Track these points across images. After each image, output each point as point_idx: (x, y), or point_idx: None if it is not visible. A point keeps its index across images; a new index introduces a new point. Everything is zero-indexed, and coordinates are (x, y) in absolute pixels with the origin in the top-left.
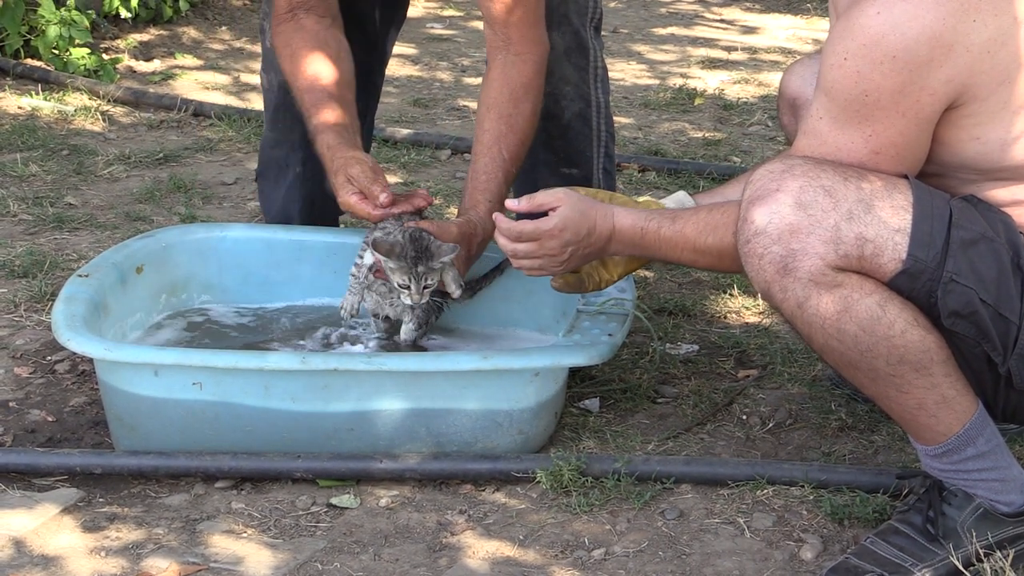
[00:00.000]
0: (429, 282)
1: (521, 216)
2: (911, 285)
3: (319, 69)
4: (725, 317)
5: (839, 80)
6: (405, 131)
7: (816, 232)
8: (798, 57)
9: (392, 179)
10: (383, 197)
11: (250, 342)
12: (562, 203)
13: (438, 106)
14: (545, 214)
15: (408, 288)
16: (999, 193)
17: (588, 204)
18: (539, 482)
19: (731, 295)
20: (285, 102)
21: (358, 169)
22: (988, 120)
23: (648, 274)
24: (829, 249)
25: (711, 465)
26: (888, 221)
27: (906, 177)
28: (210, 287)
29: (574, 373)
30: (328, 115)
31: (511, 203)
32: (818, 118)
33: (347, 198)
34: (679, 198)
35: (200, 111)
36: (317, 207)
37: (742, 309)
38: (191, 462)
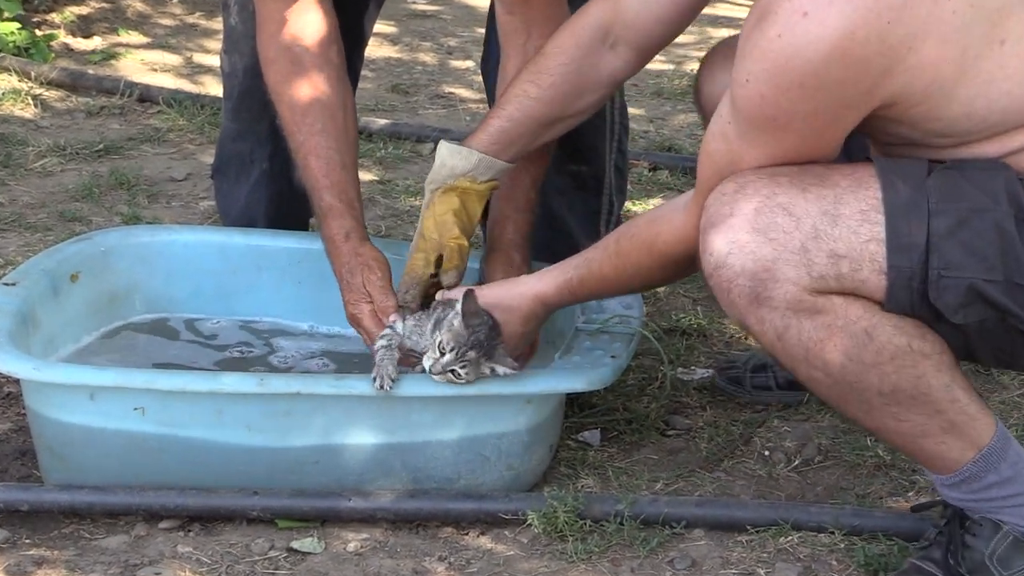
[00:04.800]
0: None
1: None
2: (907, 295)
3: (325, 124)
4: (745, 337)
5: (744, 99)
6: (382, 121)
7: (783, 257)
8: None
9: (367, 176)
10: (392, 317)
11: (201, 363)
12: None
13: (420, 93)
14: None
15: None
16: (987, 150)
17: (503, 298)
18: (530, 525)
19: None
20: (251, 88)
21: (376, 276)
22: (941, 104)
23: (659, 289)
24: (801, 273)
25: (728, 507)
26: (858, 230)
27: (869, 159)
28: (156, 298)
29: (572, 400)
30: (343, 193)
31: None
32: (727, 121)
33: (358, 309)
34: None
35: (146, 96)
36: (284, 208)
37: None
38: (131, 499)
